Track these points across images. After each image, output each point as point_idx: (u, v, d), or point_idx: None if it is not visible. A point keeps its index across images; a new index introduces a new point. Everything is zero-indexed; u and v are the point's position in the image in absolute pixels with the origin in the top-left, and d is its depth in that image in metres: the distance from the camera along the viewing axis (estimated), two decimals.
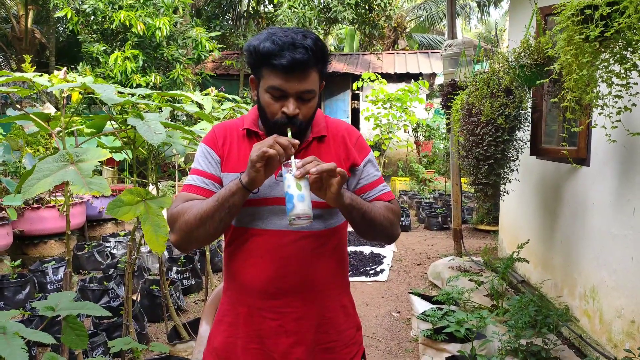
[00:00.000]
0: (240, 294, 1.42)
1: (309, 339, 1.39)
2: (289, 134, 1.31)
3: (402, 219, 7.62)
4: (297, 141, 1.23)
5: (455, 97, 4.15)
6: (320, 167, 1.20)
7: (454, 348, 2.95)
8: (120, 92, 2.43)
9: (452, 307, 3.32)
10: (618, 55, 1.99)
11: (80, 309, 1.65)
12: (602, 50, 2.02)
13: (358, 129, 10.51)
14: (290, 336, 1.37)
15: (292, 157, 1.24)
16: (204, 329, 1.96)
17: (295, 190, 1.21)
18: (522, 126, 3.34)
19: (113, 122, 2.49)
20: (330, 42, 19.74)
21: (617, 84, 2.04)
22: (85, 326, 1.69)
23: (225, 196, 1.26)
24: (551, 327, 2.88)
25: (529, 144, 3.71)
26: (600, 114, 2.20)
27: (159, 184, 3.44)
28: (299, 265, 1.37)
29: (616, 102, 2.10)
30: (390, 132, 11.06)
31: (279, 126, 1.31)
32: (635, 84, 2.01)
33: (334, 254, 1.44)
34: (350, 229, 1.48)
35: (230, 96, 4.26)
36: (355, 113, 13.18)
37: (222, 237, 1.47)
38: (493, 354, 2.81)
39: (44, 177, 1.75)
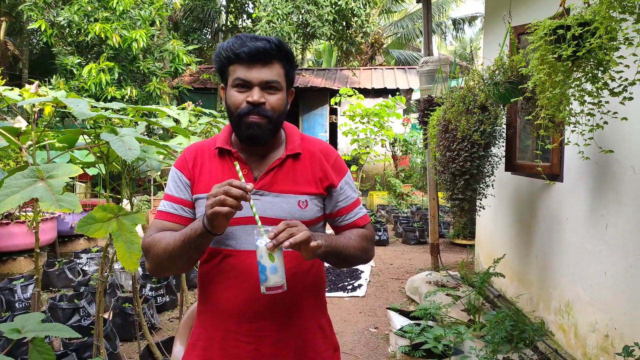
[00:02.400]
0: (215, 317, 1.38)
1: None
2: (239, 173, 1.25)
3: (380, 233, 7.63)
4: (250, 186, 1.16)
5: (431, 113, 4.20)
6: (294, 239, 1.14)
7: None
8: (94, 107, 2.39)
9: (430, 323, 3.32)
10: (590, 75, 2.03)
11: (49, 331, 1.59)
12: (575, 69, 2.06)
13: (336, 143, 10.51)
14: None
15: (261, 228, 1.19)
16: (178, 349, 1.90)
17: (268, 262, 1.17)
18: (497, 142, 3.39)
19: (86, 136, 2.44)
20: (309, 57, 19.87)
21: (589, 102, 2.08)
22: (54, 347, 1.63)
23: (191, 236, 1.23)
24: (527, 341, 2.90)
25: (504, 159, 3.76)
26: (573, 131, 2.24)
27: (133, 198, 3.38)
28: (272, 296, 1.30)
29: (588, 120, 2.14)
30: (368, 146, 11.13)
31: (245, 117, 1.30)
32: (607, 102, 2.05)
33: (311, 273, 1.42)
34: None
35: (207, 110, 4.22)
36: (333, 128, 13.24)
37: None
38: None
39: (12, 193, 1.69)
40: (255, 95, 1.29)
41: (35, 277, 2.12)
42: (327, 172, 1.41)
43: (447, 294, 4.13)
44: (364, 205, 8.97)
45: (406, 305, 4.65)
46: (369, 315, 4.52)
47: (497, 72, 3.01)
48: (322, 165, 1.41)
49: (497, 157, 3.49)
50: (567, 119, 2.20)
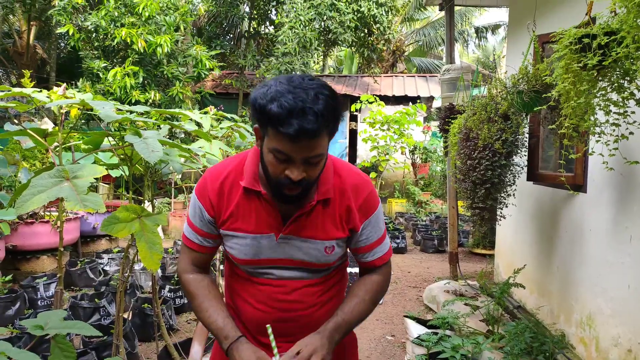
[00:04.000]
0: (238, 322, 1.45)
1: None
2: (271, 337, 1.30)
3: (398, 240, 7.60)
4: None
5: (452, 121, 4.17)
6: None
7: None
8: (119, 110, 2.43)
9: (448, 332, 3.29)
10: (616, 84, 2.01)
11: (70, 329, 1.62)
12: (600, 78, 2.04)
13: (355, 150, 10.49)
14: None
15: (276, 355, 1.28)
16: (196, 350, 1.93)
17: None
18: (519, 151, 3.35)
19: (111, 138, 2.49)
20: (330, 63, 19.93)
21: (614, 112, 2.05)
22: (74, 345, 1.66)
23: (214, 334, 1.37)
24: (547, 354, 2.85)
25: (525, 169, 3.71)
26: (597, 141, 2.21)
27: (154, 201, 3.42)
28: (302, 312, 1.41)
29: (613, 130, 2.11)
30: (388, 153, 11.10)
31: (280, 187, 1.24)
32: (633, 112, 2.02)
33: (337, 294, 1.49)
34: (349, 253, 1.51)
35: (229, 115, 4.27)
36: (353, 134, 13.24)
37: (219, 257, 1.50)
38: None
39: (38, 192, 1.74)
40: (296, 172, 1.20)
41: (58, 276, 2.17)
42: (352, 214, 1.37)
43: (466, 304, 4.08)
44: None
45: (423, 314, 4.61)
46: (385, 323, 4.50)
47: (520, 80, 2.99)
48: (349, 206, 1.37)
49: (519, 166, 3.45)
50: (591, 128, 2.17)
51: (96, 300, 4.12)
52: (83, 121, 9.11)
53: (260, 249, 1.35)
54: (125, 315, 3.88)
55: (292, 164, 1.20)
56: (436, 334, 3.16)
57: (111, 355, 2.69)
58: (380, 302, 6.18)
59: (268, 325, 1.33)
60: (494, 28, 17.96)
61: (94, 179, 1.96)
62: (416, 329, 3.64)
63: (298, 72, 10.16)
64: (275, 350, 1.28)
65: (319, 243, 1.34)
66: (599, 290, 2.84)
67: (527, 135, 3.56)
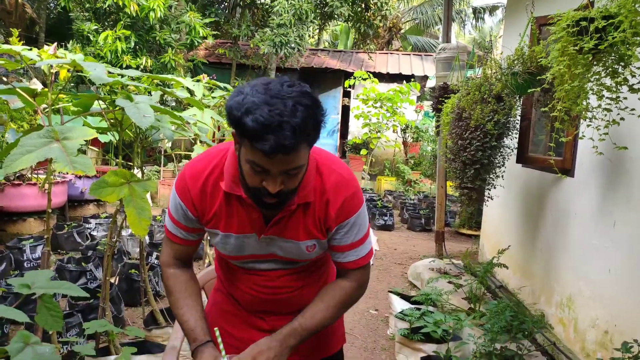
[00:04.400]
0: (231, 300, 1.54)
1: None
2: (219, 339, 1.34)
3: (386, 218, 7.66)
4: None
5: (446, 101, 4.17)
6: None
7: (429, 348, 2.97)
8: (110, 73, 2.40)
9: (430, 308, 3.35)
10: (610, 69, 2.01)
11: (57, 288, 1.62)
12: (595, 62, 2.04)
13: (347, 126, 10.41)
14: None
15: (224, 357, 1.32)
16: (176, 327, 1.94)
17: None
18: (510, 133, 3.37)
19: (101, 102, 2.46)
20: (325, 37, 19.70)
21: (607, 97, 2.06)
22: (60, 307, 1.66)
23: (187, 335, 1.40)
24: (526, 333, 2.92)
25: (515, 151, 3.74)
26: (588, 125, 2.22)
27: (144, 168, 3.40)
28: (288, 296, 1.45)
29: (605, 115, 2.13)
30: (379, 131, 11.09)
31: (258, 195, 1.20)
32: (625, 98, 2.03)
33: (323, 273, 1.51)
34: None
35: (221, 84, 4.22)
36: (346, 110, 13.18)
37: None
38: (467, 356, 2.83)
39: (27, 152, 1.72)
40: (273, 186, 1.15)
41: (45, 237, 2.16)
42: (328, 216, 1.32)
43: (449, 282, 4.15)
44: (370, 196, 8.92)
45: (408, 290, 4.68)
46: (370, 298, 4.56)
47: (516, 62, 2.98)
48: (327, 208, 1.31)
49: (509, 148, 3.47)
50: (583, 113, 2.18)
51: (83, 263, 4.13)
52: (72, 84, 8.96)
53: (244, 247, 1.36)
54: (112, 280, 3.89)
55: (269, 176, 1.15)
56: (419, 309, 3.22)
57: (97, 318, 2.71)
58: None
59: (216, 329, 1.38)
60: (492, 9, 17.83)
61: (84, 141, 1.94)
62: (400, 304, 3.70)
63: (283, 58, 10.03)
64: (223, 352, 1.33)
65: (300, 243, 1.34)
66: (580, 273, 2.90)
67: (519, 118, 3.58)
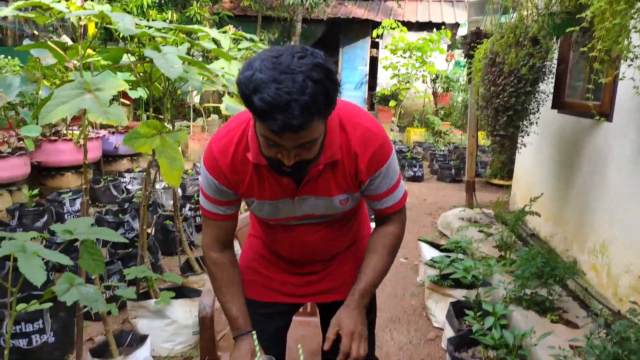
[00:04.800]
0: (265, 246, 1.62)
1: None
2: (255, 342, 1.39)
3: (415, 169, 7.61)
4: None
5: (478, 46, 4.03)
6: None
7: (459, 294, 3.00)
8: (137, 24, 2.39)
9: (460, 256, 3.36)
10: None
11: (98, 234, 1.69)
12: None
13: (376, 78, 10.19)
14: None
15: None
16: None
17: None
18: (545, 78, 3.25)
19: (130, 55, 2.47)
20: None
21: None
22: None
23: (230, 322, 1.48)
24: (557, 279, 2.91)
25: (551, 96, 3.62)
26: (629, 66, 2.13)
27: (174, 122, 3.44)
28: (323, 248, 1.52)
29: None
30: (408, 82, 10.87)
31: (276, 165, 1.20)
32: None
33: (356, 222, 1.56)
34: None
35: (248, 35, 4.18)
36: (374, 62, 12.92)
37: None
38: (497, 301, 2.86)
39: (61, 103, 1.76)
40: (288, 159, 1.15)
41: (83, 187, 2.23)
42: (359, 171, 1.32)
43: (480, 230, 4.14)
44: (399, 148, 8.83)
45: (437, 239, 4.70)
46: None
47: (553, 1, 2.84)
48: (357, 163, 1.31)
49: (544, 93, 3.36)
50: (624, 52, 2.08)
51: (120, 215, 4.27)
52: (100, 41, 9.01)
53: (279, 210, 1.39)
54: (149, 231, 4.03)
55: (282, 150, 1.14)
56: (449, 257, 3.24)
57: (136, 266, 2.83)
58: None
59: (254, 332, 1.43)
60: None
61: (114, 99, 1.96)
62: (429, 252, 3.72)
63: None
64: (259, 354, 1.38)
65: (333, 199, 1.36)
66: (616, 218, 2.85)
67: (555, 62, 3.44)
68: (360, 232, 1.63)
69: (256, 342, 1.39)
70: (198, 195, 4.85)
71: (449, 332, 2.72)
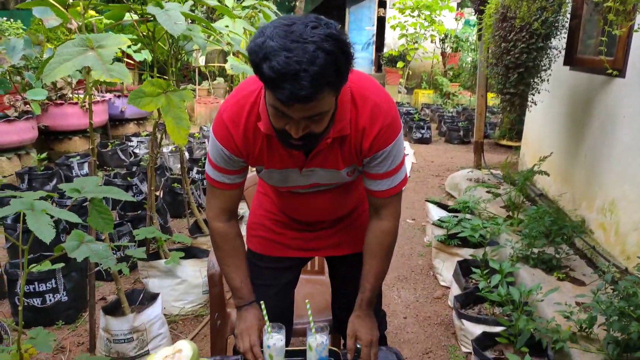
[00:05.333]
0: (276, 208, 1.64)
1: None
2: (264, 311, 1.41)
3: (423, 131, 7.55)
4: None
5: (489, 1, 3.92)
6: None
7: (466, 253, 3.01)
8: None
9: (468, 216, 3.36)
10: None
11: (106, 193, 1.69)
12: None
13: (383, 38, 9.95)
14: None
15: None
16: None
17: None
18: (558, 33, 3.16)
19: (133, 14, 2.42)
20: None
21: None
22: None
23: (233, 292, 1.49)
24: (565, 237, 2.91)
25: (563, 52, 3.53)
26: None
27: (179, 85, 3.40)
28: (331, 210, 1.55)
29: None
30: (417, 42, 10.66)
31: (284, 137, 1.17)
32: None
33: (360, 186, 1.55)
34: None
35: None
36: (381, 22, 12.64)
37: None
38: (504, 260, 2.87)
39: (64, 61, 1.72)
40: (296, 131, 1.12)
41: (90, 147, 2.23)
42: (363, 147, 1.30)
43: (488, 191, 4.12)
44: (406, 110, 8.72)
45: (445, 200, 4.69)
46: (407, 208, 4.61)
47: None
48: (363, 139, 1.28)
49: (556, 49, 3.28)
50: (639, 4, 2.01)
51: (128, 178, 4.29)
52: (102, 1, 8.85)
53: (287, 179, 1.39)
54: (157, 193, 4.05)
55: (291, 121, 1.11)
56: (456, 217, 3.24)
57: (145, 227, 2.85)
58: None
59: (262, 302, 1.43)
60: None
61: (118, 60, 1.93)
62: (437, 213, 3.72)
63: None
64: (268, 323, 1.38)
65: (341, 171, 1.36)
66: (626, 176, 2.82)
67: (568, 16, 3.34)
68: (363, 192, 1.64)
69: (264, 312, 1.40)
70: (205, 159, 4.86)
71: (455, 290, 2.75)
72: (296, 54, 0.98)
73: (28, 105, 4.86)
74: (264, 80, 1.04)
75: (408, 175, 5.74)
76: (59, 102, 5.26)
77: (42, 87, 4.60)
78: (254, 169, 1.47)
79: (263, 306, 1.41)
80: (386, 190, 1.37)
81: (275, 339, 1.33)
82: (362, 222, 1.57)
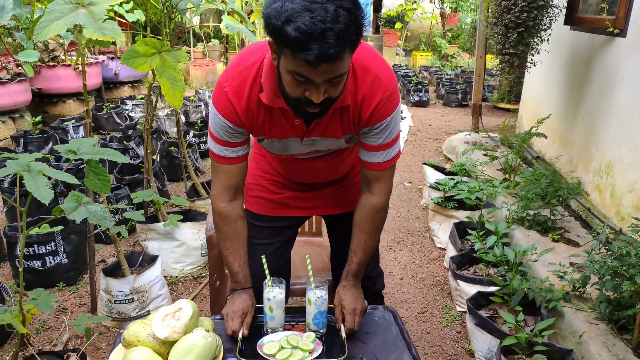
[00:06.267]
0: (274, 171, 1.66)
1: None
2: (265, 265, 1.40)
3: (421, 94, 7.48)
4: (240, 336, 1.33)
5: None
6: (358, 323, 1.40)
7: (462, 215, 3.04)
8: None
9: (464, 178, 3.37)
10: None
11: (102, 154, 1.68)
12: None
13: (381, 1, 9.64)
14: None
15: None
16: None
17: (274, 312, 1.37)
18: None
19: None
20: None
21: None
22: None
23: (230, 274, 1.50)
24: (561, 199, 2.93)
25: (564, 11, 3.47)
26: None
27: (174, 46, 3.33)
28: (329, 173, 1.58)
29: None
30: (415, 2, 10.44)
31: (299, 106, 1.16)
32: None
33: (354, 153, 1.56)
34: None
35: None
36: None
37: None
38: (500, 222, 2.89)
39: (55, 19, 1.69)
40: (317, 95, 1.11)
41: (85, 109, 2.20)
42: (362, 117, 1.30)
43: (485, 154, 4.13)
44: (404, 72, 8.61)
45: (442, 163, 4.70)
46: (403, 171, 4.62)
47: None
48: (361, 109, 1.29)
49: (557, 8, 3.22)
50: None
51: (125, 142, 4.27)
52: None
53: (288, 148, 1.40)
54: (154, 157, 4.04)
55: (312, 86, 1.10)
56: (453, 179, 3.25)
57: (143, 190, 2.85)
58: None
59: (263, 256, 1.43)
60: None
61: (108, 7, 1.88)
62: (434, 176, 3.73)
63: None
64: (268, 277, 1.39)
65: (340, 139, 1.37)
66: (623, 138, 2.82)
67: None
68: None
69: (265, 266, 1.42)
70: (201, 122, 4.82)
71: (451, 252, 2.78)
72: (319, 14, 0.98)
73: (20, 68, 4.78)
74: (288, 43, 1.02)
75: (405, 138, 5.73)
76: (51, 64, 5.17)
77: (34, 49, 4.51)
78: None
79: (264, 260, 1.43)
80: (380, 163, 1.38)
81: (275, 292, 1.35)
82: (358, 181, 1.58)
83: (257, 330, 1.40)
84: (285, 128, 1.33)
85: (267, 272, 1.41)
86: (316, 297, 1.35)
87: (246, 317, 1.39)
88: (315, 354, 1.27)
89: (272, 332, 1.37)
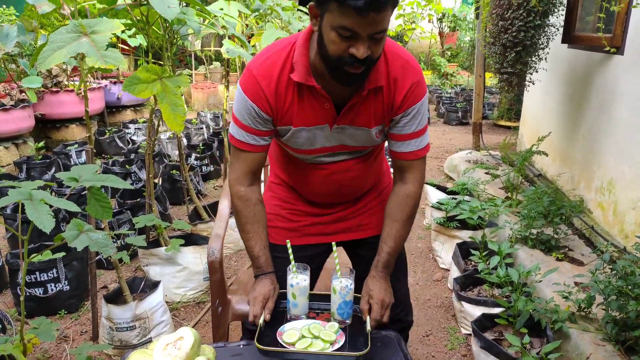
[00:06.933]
0: (288, 190, 1.61)
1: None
2: (290, 250, 1.40)
3: None
4: (261, 321, 1.32)
5: None
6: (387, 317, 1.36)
7: (465, 235, 3.02)
8: None
9: (466, 198, 3.36)
10: None
11: (104, 181, 1.68)
12: None
13: None
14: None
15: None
16: (224, 205, 2.01)
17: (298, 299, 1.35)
18: (556, 10, 3.13)
19: None
20: None
21: None
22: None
23: (251, 259, 1.47)
24: (563, 217, 2.92)
25: (561, 30, 3.50)
26: None
27: (175, 70, 3.37)
28: (351, 186, 1.52)
29: None
30: (414, 22, 10.54)
31: (343, 65, 1.18)
32: None
33: (376, 162, 1.55)
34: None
35: None
36: None
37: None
38: (503, 241, 2.88)
39: (58, 48, 1.71)
40: (363, 50, 1.14)
41: (87, 135, 2.22)
42: (395, 102, 1.32)
43: (487, 172, 4.13)
44: None
45: (444, 182, 4.69)
46: None
47: None
48: (395, 93, 1.32)
49: (554, 27, 3.25)
50: None
51: (127, 166, 4.28)
52: None
53: (315, 139, 1.37)
54: (156, 180, 4.04)
55: (357, 41, 1.13)
56: (455, 199, 3.24)
57: (145, 215, 2.85)
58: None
59: (288, 241, 1.42)
60: None
61: (113, 46, 1.91)
62: (436, 195, 3.72)
63: None
64: (293, 262, 1.37)
65: (371, 130, 1.36)
66: (624, 155, 2.81)
67: None
68: (381, 168, 1.65)
69: (290, 251, 1.39)
70: (203, 145, 4.84)
71: (454, 273, 2.76)
72: None
73: (24, 94, 4.83)
74: None
75: None
76: (54, 89, 5.22)
77: (37, 75, 4.56)
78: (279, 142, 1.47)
79: (289, 245, 1.41)
80: (413, 152, 1.40)
81: (299, 279, 1.32)
82: (381, 201, 1.56)
83: (281, 316, 1.36)
84: (314, 111, 1.32)
85: (291, 257, 1.39)
86: (341, 286, 1.31)
87: (268, 302, 1.37)
88: (337, 345, 1.23)
89: (295, 320, 1.34)
